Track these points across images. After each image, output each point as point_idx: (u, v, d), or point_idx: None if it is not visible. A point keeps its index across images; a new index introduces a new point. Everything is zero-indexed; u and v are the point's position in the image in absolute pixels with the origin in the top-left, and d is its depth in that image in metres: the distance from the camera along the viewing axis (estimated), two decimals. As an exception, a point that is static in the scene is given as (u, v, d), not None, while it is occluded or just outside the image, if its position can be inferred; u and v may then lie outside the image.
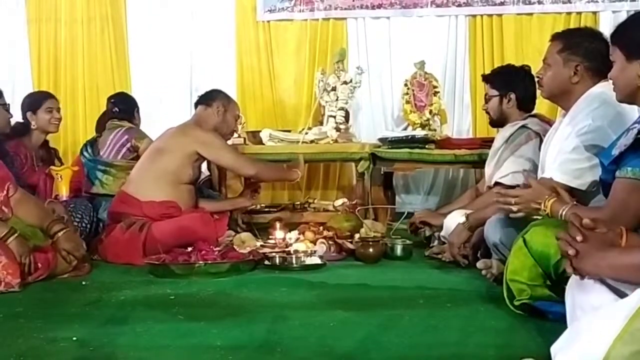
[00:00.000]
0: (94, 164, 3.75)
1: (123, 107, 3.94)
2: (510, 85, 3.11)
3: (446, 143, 4.02)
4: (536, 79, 2.58)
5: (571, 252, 1.47)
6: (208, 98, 3.50)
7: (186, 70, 5.13)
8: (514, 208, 2.16)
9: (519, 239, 2.03)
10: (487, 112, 3.23)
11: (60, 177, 3.53)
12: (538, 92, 2.63)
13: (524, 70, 3.16)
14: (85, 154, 3.83)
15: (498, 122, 3.20)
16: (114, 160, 3.75)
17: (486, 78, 3.27)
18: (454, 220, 2.93)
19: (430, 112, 4.48)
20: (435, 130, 4.38)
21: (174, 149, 3.31)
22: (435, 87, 4.53)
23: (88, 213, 3.38)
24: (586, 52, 2.34)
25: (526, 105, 3.12)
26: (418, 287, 2.51)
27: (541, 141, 2.76)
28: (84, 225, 3.32)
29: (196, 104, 3.55)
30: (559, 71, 2.37)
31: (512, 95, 3.11)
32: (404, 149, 4.00)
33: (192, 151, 3.30)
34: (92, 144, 3.88)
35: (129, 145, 3.77)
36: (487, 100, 3.23)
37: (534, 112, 3.15)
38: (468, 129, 4.87)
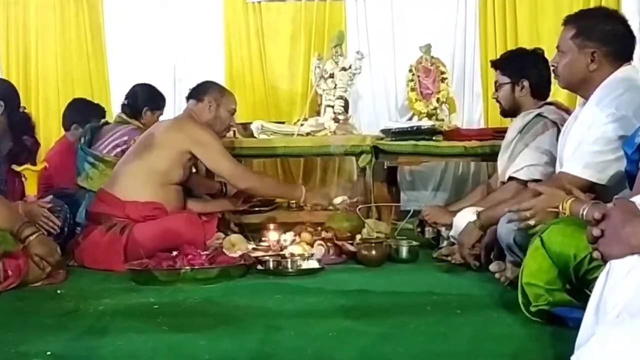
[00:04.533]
0: (85, 154, 3.75)
1: (130, 102, 3.91)
2: (523, 71, 3.10)
3: (455, 134, 4.02)
4: (551, 68, 2.57)
5: (595, 232, 1.44)
6: (199, 92, 3.48)
7: (169, 58, 5.12)
8: (532, 222, 2.15)
9: (535, 239, 2.02)
10: (498, 101, 3.23)
11: (24, 176, 3.50)
12: (554, 79, 2.62)
13: (537, 54, 3.15)
14: (81, 139, 3.81)
15: (510, 111, 3.20)
16: (104, 155, 3.74)
17: (496, 64, 3.26)
18: (465, 218, 2.92)
19: (438, 100, 4.47)
20: (443, 120, 4.38)
21: (166, 145, 3.28)
22: (442, 73, 4.52)
23: (64, 214, 3.36)
24: (602, 35, 2.34)
25: (541, 92, 3.11)
26: (425, 292, 2.51)
27: (559, 131, 2.76)
28: (59, 227, 3.31)
29: (188, 97, 3.53)
30: (574, 59, 2.37)
31: (525, 82, 3.10)
32: (409, 141, 4.00)
33: (185, 150, 3.28)
34: (94, 131, 3.85)
35: (124, 147, 3.74)
36: (497, 88, 3.22)
37: (549, 99, 3.15)
38: (479, 119, 4.88)
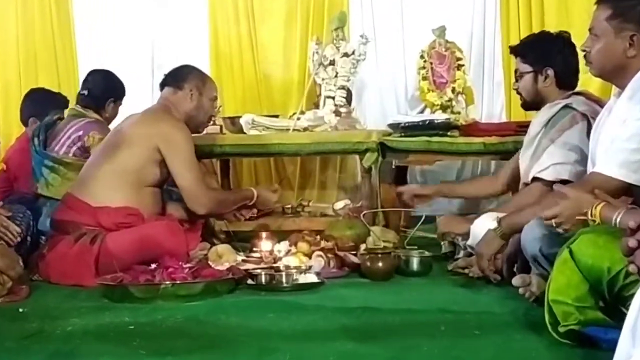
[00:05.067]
0: (41, 157, 3.76)
1: (92, 92, 3.91)
2: (546, 58, 3.11)
3: (473, 129, 4.02)
4: (582, 54, 2.58)
5: (631, 242, 1.44)
6: (178, 78, 3.49)
7: (147, 42, 5.13)
8: (560, 230, 2.16)
9: (564, 250, 2.03)
10: (519, 93, 3.23)
11: None
12: (585, 66, 2.62)
13: (563, 38, 3.16)
14: (35, 140, 3.81)
15: (532, 104, 3.21)
16: (64, 157, 3.75)
17: (515, 50, 3.27)
18: (484, 225, 2.93)
19: (453, 90, 4.48)
20: (459, 113, 4.38)
21: (136, 141, 3.31)
22: (459, 59, 4.52)
23: (26, 221, 3.37)
24: None
25: (567, 81, 3.12)
26: (439, 310, 2.52)
27: (589, 125, 2.77)
28: (21, 237, 3.32)
29: (162, 85, 3.54)
30: (609, 43, 2.38)
31: (549, 71, 3.10)
32: (420, 137, 4.00)
33: (155, 146, 3.29)
34: (48, 128, 3.85)
35: (80, 144, 3.75)
36: (517, 78, 3.23)
37: (578, 89, 3.16)
38: (500, 112, 4.88)
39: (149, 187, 3.34)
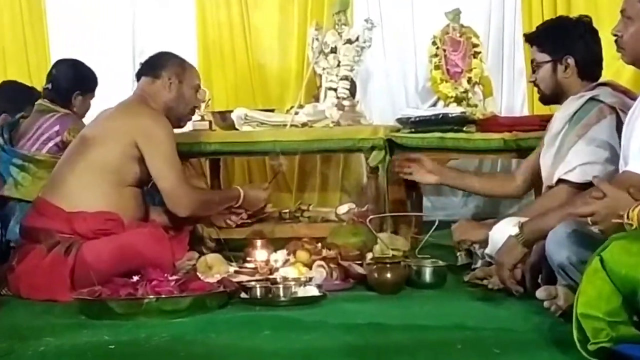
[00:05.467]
0: (9, 155, 3.77)
1: (57, 84, 3.92)
2: (566, 45, 3.12)
3: (492, 124, 4.03)
4: (613, 38, 2.58)
5: None
6: (155, 66, 3.50)
7: (127, 27, 5.14)
8: (596, 229, 2.15)
9: (594, 258, 2.03)
10: (537, 85, 3.24)
11: None
12: (617, 52, 2.62)
13: (583, 23, 3.17)
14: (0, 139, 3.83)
15: (552, 97, 3.22)
16: (35, 154, 3.75)
17: (531, 38, 3.28)
18: (504, 231, 2.93)
19: (469, 80, 4.48)
20: (476, 106, 4.39)
21: (110, 136, 3.31)
22: (475, 45, 4.53)
23: (-6, 229, 3.39)
24: None
25: (589, 71, 3.13)
26: (455, 326, 2.51)
27: (619, 119, 2.76)
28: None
29: (138, 75, 3.54)
30: None
31: (570, 60, 3.11)
32: (433, 132, 4.01)
33: (132, 141, 3.29)
34: (12, 126, 3.87)
35: (58, 140, 3.76)
36: (535, 69, 3.24)
37: (603, 79, 3.16)
38: (522, 104, 4.90)
39: (128, 187, 3.34)
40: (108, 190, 3.28)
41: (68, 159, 3.38)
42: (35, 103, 3.93)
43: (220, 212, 3.64)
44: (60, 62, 4.12)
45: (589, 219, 2.17)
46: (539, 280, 2.76)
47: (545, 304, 2.55)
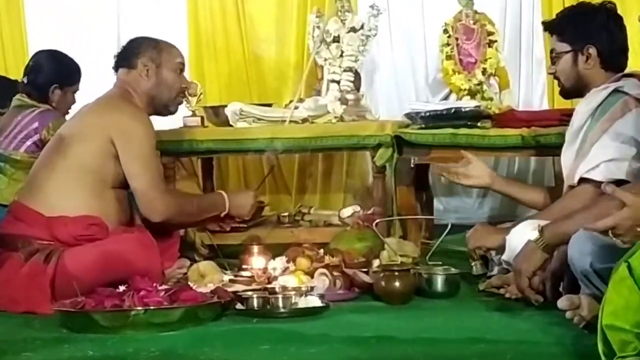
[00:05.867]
0: None
1: (33, 77, 3.93)
2: (587, 34, 3.12)
3: (509, 118, 4.03)
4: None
5: None
6: (128, 55, 3.51)
7: (111, 16, 5.15)
8: (619, 242, 2.16)
9: (620, 265, 2.03)
10: (556, 77, 3.25)
11: None
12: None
13: (606, 10, 3.17)
14: None
15: (573, 90, 3.22)
16: (12, 153, 3.77)
17: (550, 26, 3.28)
18: (522, 236, 2.93)
19: (484, 72, 4.49)
20: (491, 99, 4.40)
21: (88, 133, 3.31)
22: (490, 34, 4.54)
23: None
24: None
25: (613, 61, 3.13)
26: (469, 339, 2.52)
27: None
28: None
29: (115, 67, 3.54)
30: None
31: (591, 49, 3.11)
32: (444, 128, 4.02)
33: (109, 137, 3.28)
34: None
35: (36, 138, 3.77)
36: (554, 60, 3.24)
37: (628, 70, 3.16)
38: (541, 97, 4.91)
39: (111, 189, 3.33)
40: (89, 192, 3.28)
41: (46, 159, 3.38)
42: (13, 98, 3.95)
43: (207, 220, 3.60)
44: (38, 53, 4.13)
45: (610, 233, 2.17)
46: (561, 289, 2.76)
47: (568, 314, 2.55)
